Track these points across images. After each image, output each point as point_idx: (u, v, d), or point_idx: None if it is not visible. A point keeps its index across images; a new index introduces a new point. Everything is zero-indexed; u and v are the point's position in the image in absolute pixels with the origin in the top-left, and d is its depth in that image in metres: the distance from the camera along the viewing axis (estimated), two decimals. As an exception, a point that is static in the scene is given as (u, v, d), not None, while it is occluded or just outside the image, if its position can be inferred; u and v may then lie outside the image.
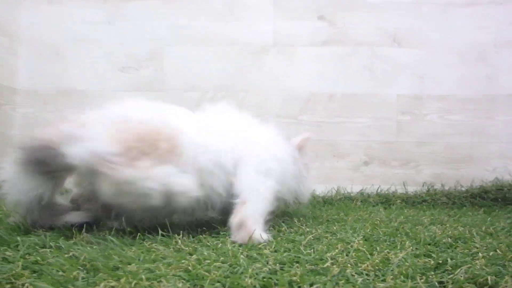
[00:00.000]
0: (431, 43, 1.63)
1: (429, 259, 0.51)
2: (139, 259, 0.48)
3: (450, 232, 0.70)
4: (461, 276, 0.43)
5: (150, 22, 1.64)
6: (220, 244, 0.57)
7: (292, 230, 0.72)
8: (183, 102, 1.62)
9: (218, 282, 0.39)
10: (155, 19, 1.64)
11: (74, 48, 1.65)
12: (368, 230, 0.72)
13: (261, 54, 1.62)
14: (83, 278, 0.40)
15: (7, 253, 0.49)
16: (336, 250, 0.54)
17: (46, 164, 0.62)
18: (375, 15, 1.63)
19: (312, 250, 0.54)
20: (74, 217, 0.67)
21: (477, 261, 0.49)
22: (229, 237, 0.62)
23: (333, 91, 1.61)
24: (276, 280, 0.40)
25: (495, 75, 1.62)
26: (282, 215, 0.86)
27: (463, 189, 1.47)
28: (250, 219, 0.61)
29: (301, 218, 0.84)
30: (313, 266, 0.46)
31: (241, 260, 0.47)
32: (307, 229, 0.72)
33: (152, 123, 0.64)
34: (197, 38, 1.63)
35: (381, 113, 1.61)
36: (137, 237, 0.60)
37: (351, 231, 0.71)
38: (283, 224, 0.74)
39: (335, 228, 0.75)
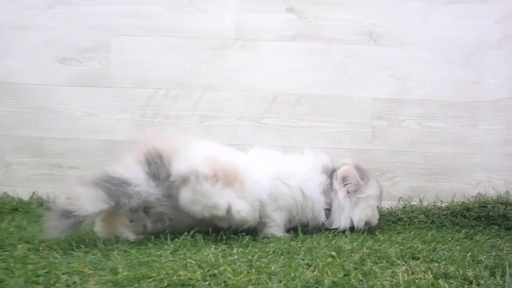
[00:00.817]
0: (411, 42, 1.47)
1: None
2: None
3: (419, 278, 0.52)
4: None
5: (97, 7, 1.44)
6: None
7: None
8: (132, 100, 1.45)
9: None
10: (103, 4, 1.44)
11: (10, 36, 1.44)
12: (304, 277, 0.53)
13: (222, 49, 1.44)
14: None
15: None
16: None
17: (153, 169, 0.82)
18: (351, 9, 1.47)
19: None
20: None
21: None
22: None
23: (302, 92, 1.44)
24: None
25: (480, 79, 1.47)
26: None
27: (443, 205, 1.31)
28: (268, 235, 0.92)
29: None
30: None
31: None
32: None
33: (231, 164, 0.86)
34: (150, 29, 1.44)
35: (355, 117, 1.44)
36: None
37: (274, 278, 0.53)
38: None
39: (262, 265, 0.58)
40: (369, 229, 1.00)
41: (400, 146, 1.43)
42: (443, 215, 1.23)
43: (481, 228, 1.16)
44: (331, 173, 1.00)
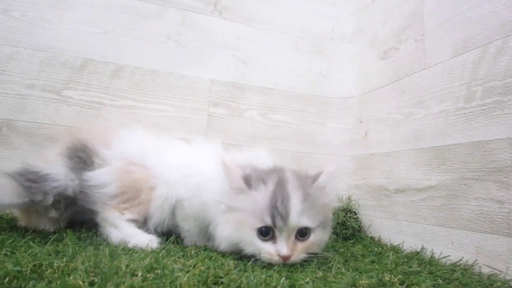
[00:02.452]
0: (261, 22, 1.28)
1: None
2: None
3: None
4: None
5: None
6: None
7: None
8: None
9: None
10: None
11: None
12: None
13: (12, -10, 1.06)
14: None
15: None
16: None
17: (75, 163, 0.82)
18: (196, -27, 1.22)
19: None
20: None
21: None
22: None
23: (122, 61, 1.13)
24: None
25: (330, 73, 1.33)
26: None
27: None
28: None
29: None
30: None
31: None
32: None
33: (142, 176, 0.82)
34: None
35: (189, 101, 1.18)
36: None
37: None
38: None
39: None
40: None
41: (240, 139, 1.21)
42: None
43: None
44: None
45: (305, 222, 0.66)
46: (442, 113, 0.88)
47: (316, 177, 0.73)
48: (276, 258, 0.65)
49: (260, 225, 0.65)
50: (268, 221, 0.65)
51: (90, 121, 1.08)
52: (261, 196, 0.67)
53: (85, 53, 1.09)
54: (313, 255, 0.69)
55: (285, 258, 0.65)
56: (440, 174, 0.87)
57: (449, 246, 0.83)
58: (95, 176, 0.80)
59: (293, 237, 0.66)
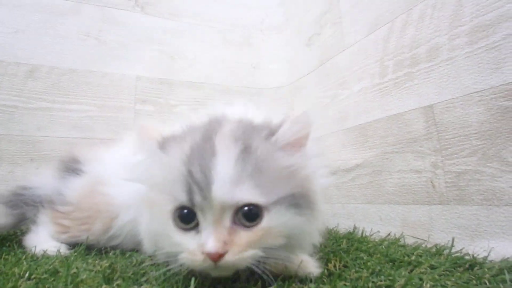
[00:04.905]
0: (186, 15, 1.25)
1: None
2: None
3: None
4: None
5: None
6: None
7: None
8: None
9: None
10: None
11: None
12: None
13: None
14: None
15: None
16: None
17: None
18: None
19: None
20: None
21: None
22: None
23: (37, 61, 1.06)
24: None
25: (260, 64, 1.33)
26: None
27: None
28: None
29: None
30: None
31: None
32: None
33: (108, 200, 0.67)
34: None
35: (113, 100, 1.12)
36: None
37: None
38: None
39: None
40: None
41: (171, 136, 1.16)
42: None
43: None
44: None
45: (246, 195, 0.40)
46: (361, 91, 0.88)
47: (274, 129, 0.45)
48: (198, 258, 0.39)
49: (172, 205, 0.42)
50: (181, 198, 0.41)
51: (2, 126, 1.00)
52: (174, 161, 0.43)
53: (-8, 54, 1.02)
54: (278, 258, 0.43)
55: (213, 258, 0.39)
56: (365, 152, 0.87)
57: (378, 223, 0.83)
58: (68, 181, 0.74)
59: (228, 222, 0.40)
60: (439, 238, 0.68)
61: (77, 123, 1.07)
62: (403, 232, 0.76)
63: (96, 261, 0.57)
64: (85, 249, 0.67)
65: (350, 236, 0.83)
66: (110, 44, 1.15)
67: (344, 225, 0.93)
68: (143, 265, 0.51)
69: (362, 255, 0.62)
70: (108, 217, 0.66)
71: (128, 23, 1.18)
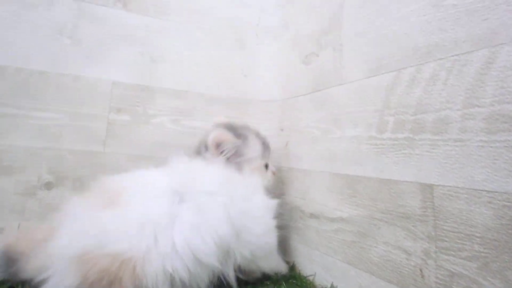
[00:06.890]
0: (173, 14, 1.12)
1: None
2: None
3: None
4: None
5: None
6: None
7: None
8: None
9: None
10: None
11: None
12: None
13: None
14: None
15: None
16: None
17: None
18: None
19: None
20: None
21: None
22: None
23: (1, 61, 0.95)
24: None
25: (252, 72, 1.21)
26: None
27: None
28: None
29: None
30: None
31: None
32: None
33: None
34: None
35: (84, 107, 1.02)
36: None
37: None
38: None
39: None
40: None
41: (147, 149, 1.07)
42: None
43: None
44: None
45: None
46: (355, 139, 0.78)
47: None
48: None
49: None
50: None
51: (-42, 133, 0.90)
52: None
53: None
54: None
55: None
56: (351, 207, 0.78)
57: (358, 288, 0.75)
58: None
59: None
60: (420, 338, 0.60)
61: (43, 132, 0.97)
62: (384, 310, 0.68)
63: None
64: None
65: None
66: (86, 43, 1.02)
67: (320, 277, 0.86)
68: None
69: None
70: None
71: (108, 20, 1.05)
